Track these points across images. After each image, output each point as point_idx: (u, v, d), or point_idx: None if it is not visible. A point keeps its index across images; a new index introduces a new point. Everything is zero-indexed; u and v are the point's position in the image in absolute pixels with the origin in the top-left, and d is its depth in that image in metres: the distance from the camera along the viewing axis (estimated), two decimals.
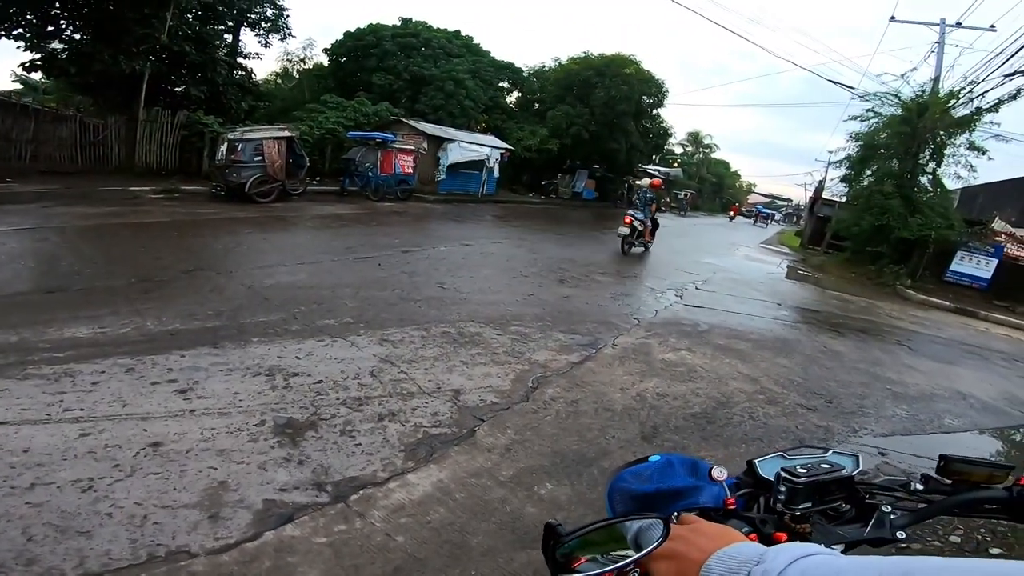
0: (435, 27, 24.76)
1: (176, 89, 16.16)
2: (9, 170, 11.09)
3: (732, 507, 0.69)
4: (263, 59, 21.91)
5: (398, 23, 23.89)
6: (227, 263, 5.95)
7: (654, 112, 26.57)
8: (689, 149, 48.99)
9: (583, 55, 24.41)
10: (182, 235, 7.07)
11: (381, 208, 12.71)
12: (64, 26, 12.75)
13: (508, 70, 26.43)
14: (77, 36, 12.92)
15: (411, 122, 18.09)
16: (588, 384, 3.76)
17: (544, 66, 26.94)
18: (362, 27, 23.30)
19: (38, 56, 13.13)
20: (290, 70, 26.94)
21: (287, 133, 12.41)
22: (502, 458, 2.69)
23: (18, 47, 12.60)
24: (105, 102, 14.32)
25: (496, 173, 19.55)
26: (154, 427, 2.60)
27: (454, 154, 17.53)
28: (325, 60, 24.28)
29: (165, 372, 3.17)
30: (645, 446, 3.04)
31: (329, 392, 3.17)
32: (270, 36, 19.72)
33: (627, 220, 10.25)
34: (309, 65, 26.24)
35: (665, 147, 33.47)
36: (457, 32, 25.52)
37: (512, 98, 27.36)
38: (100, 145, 13.18)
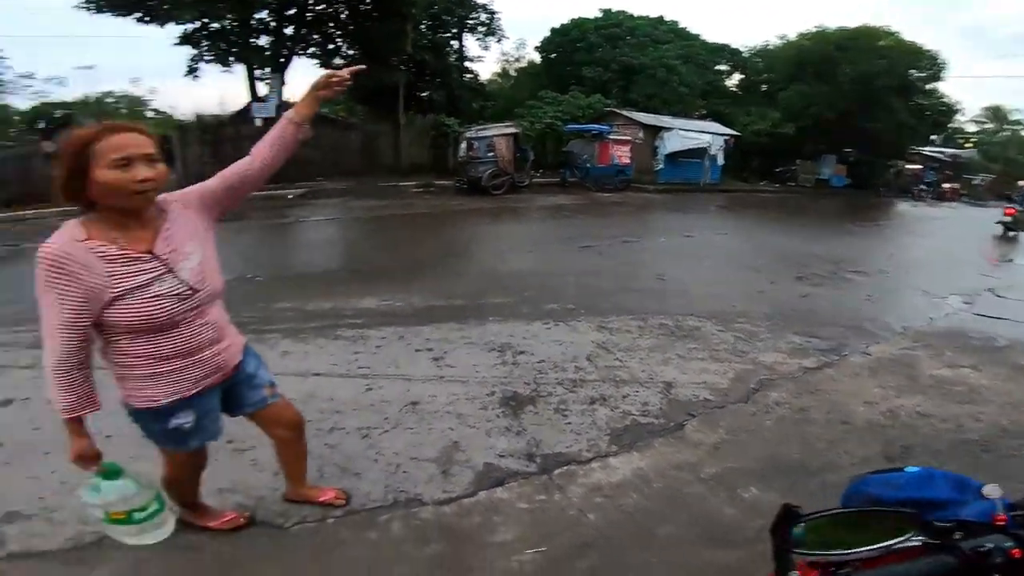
0: (636, 15, 24.03)
1: (423, 95, 18.93)
2: (320, 170, 14.57)
3: (1001, 523, 0.63)
4: (484, 61, 24.00)
5: (599, 15, 23.77)
6: (470, 250, 6.90)
7: (928, 87, 21.35)
8: (989, 127, 38.03)
9: (816, 30, 20.88)
10: (436, 224, 8.40)
11: (600, 199, 12.97)
12: (341, 45, 15.87)
13: (724, 52, 24.29)
14: (351, 52, 15.99)
15: (625, 112, 17.92)
16: (823, 392, 3.33)
17: (768, 45, 24.00)
18: (566, 22, 23.74)
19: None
20: (508, 70, 28.97)
21: (513, 129, 13.51)
22: (708, 455, 2.61)
23: (312, 64, 16.17)
24: (375, 111, 17.65)
25: (720, 161, 18.09)
26: (414, 388, 3.17)
27: (672, 142, 16.78)
28: (537, 57, 25.41)
29: (424, 342, 3.85)
30: (887, 466, 2.58)
31: (549, 371, 3.43)
32: (487, 39, 21.62)
33: (1009, 212, 11.01)
34: (523, 63, 27.87)
35: (949, 125, 26.62)
36: (660, 18, 24.37)
37: (733, 81, 24.99)
38: (380, 149, 16.24)
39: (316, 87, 1.65)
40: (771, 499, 2.31)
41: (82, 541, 2.08)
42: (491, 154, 12.65)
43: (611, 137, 14.98)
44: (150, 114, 26.98)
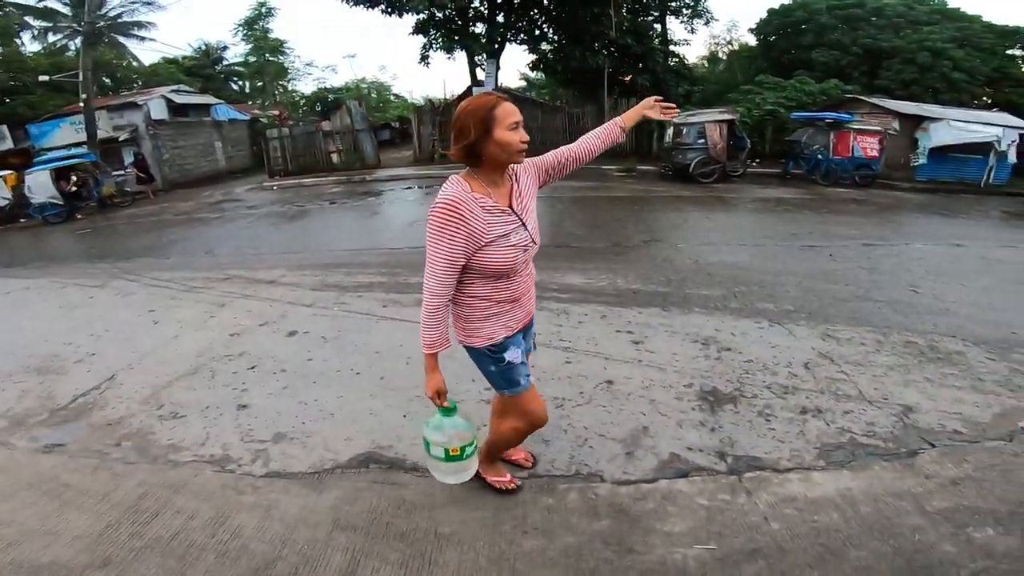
0: None
1: (626, 79, 18.54)
2: (529, 151, 15.41)
3: None
4: (691, 45, 22.66)
5: None
6: (675, 237, 6.62)
7: None
8: None
9: None
10: (640, 209, 8.25)
11: (833, 194, 11.27)
12: (547, 31, 16.31)
13: (1019, 35, 18.81)
14: (555, 37, 16.35)
15: (873, 100, 15.07)
16: None
17: None
18: (787, 3, 20.98)
19: (535, 57, 17.41)
20: (718, 53, 26.70)
21: (727, 116, 12.49)
22: (941, 489, 2.19)
23: (523, 50, 16.90)
24: (580, 94, 17.83)
25: (1012, 158, 14.14)
26: (611, 367, 3.22)
27: (940, 134, 13.62)
28: (752, 40, 22.90)
29: (625, 323, 3.86)
30: None
31: (756, 373, 3.18)
32: (694, 22, 20.08)
33: None
34: (736, 46, 25.36)
35: None
36: None
37: None
38: (585, 131, 16.59)
39: (644, 106, 1.92)
40: (1009, 544, 1.92)
41: (322, 467, 2.53)
42: (701, 141, 11.90)
43: (854, 127, 12.83)
44: (393, 97, 31.54)
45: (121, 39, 25.46)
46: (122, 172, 16.37)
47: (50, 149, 16.32)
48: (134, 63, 26.56)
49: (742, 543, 1.93)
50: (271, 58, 29.66)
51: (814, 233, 7.18)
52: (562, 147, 1.87)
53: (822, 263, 5.64)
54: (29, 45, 22.87)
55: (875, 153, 12.74)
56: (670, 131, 12.95)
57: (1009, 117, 15.15)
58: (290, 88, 31.93)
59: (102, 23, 18.65)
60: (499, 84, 15.96)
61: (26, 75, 18.47)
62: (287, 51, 30.69)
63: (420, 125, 17.54)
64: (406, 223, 7.80)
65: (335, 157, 17.00)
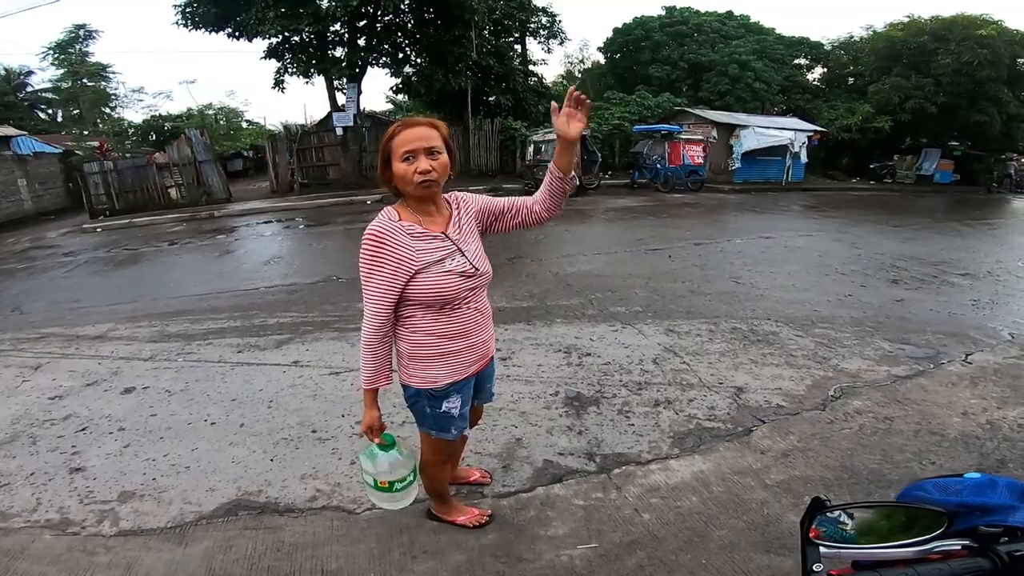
0: (703, 11, 23.41)
1: (490, 99, 19.28)
2: None
3: None
4: (548, 64, 24.33)
5: (662, 12, 23.33)
6: (538, 252, 6.97)
7: None
8: None
9: (907, 19, 19.16)
10: None
11: (671, 200, 12.66)
12: (410, 54, 16.46)
13: (803, 45, 22.99)
14: (419, 60, 16.53)
15: (696, 111, 17.35)
16: (912, 402, 3.11)
17: (852, 37, 22.49)
18: (628, 22, 23.41)
19: (399, 81, 17.43)
20: (572, 71, 28.88)
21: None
22: (775, 462, 2.53)
23: (384, 73, 16.78)
24: (445, 116, 18.14)
25: (804, 158, 17.04)
26: None
27: (749, 140, 16.03)
28: (601, 58, 25.13)
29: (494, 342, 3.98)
30: None
31: (614, 374, 3.45)
32: (549, 42, 21.64)
33: None
34: (588, 64, 27.60)
35: None
36: (729, 13, 23.58)
37: (814, 75, 23.58)
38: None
39: (557, 126, 1.56)
40: None
41: (183, 521, 2.33)
42: None
43: (682, 137, 14.59)
44: (244, 124, 29.30)
45: None
46: None
47: None
48: None
49: (620, 537, 2.06)
50: (89, 84, 25.96)
51: (656, 237, 8.02)
52: (519, 197, 1.78)
53: (663, 264, 6.31)
54: None
55: (701, 160, 14.58)
56: (531, 149, 13.63)
57: (799, 121, 18.26)
58: (116, 116, 28.21)
59: None
60: (361, 108, 15.59)
61: None
62: (110, 76, 27.10)
63: (276, 154, 16.48)
64: (262, 261, 7.26)
65: (174, 192, 15.28)
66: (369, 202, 12.12)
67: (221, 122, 25.56)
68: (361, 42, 14.72)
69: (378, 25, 14.70)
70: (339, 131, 15.35)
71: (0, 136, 17.83)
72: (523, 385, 3.32)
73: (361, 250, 1.55)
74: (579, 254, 6.77)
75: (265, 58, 14.83)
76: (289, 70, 14.99)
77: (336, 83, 15.11)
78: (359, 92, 15.08)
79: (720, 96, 19.89)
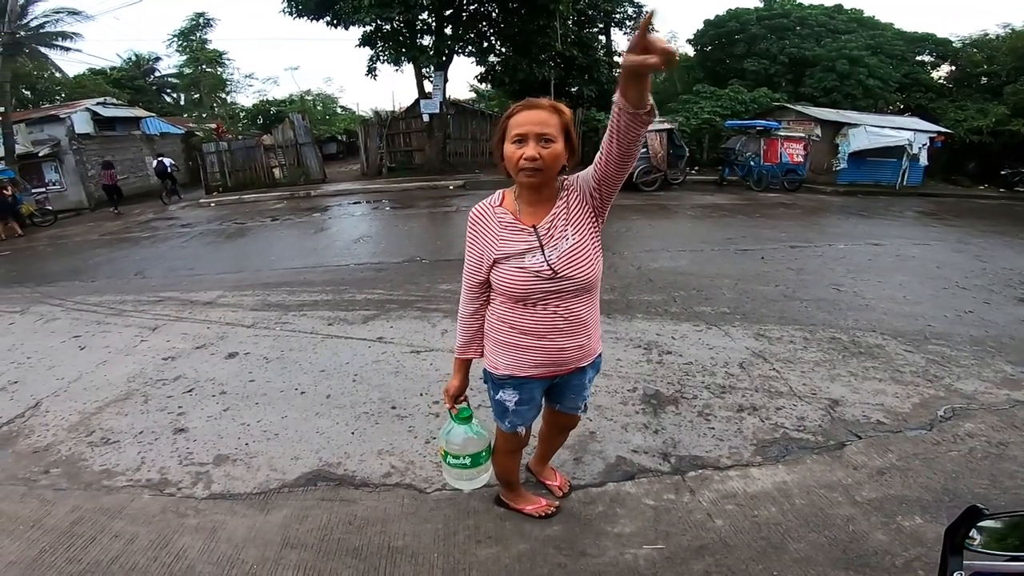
0: (806, 4, 21.81)
1: (572, 90, 19.05)
2: (478, 163, 15.50)
3: None
4: None
5: (760, 5, 22.04)
6: (619, 245, 6.83)
7: None
8: None
9: None
10: None
11: (764, 199, 11.91)
12: (495, 43, 16.58)
13: (927, 42, 20.85)
14: (503, 50, 16.63)
15: (798, 107, 16.13)
16: None
17: (986, 35, 19.95)
18: (721, 14, 22.24)
19: (483, 70, 17.62)
20: None
21: (667, 125, 13.02)
22: (869, 479, 2.33)
23: (471, 62, 16.97)
24: None
25: (923, 161, 15.39)
26: None
27: (858, 140, 14.70)
28: (690, 51, 24.10)
29: None
30: None
31: (696, 374, 3.31)
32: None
33: None
34: (676, 56, 26.55)
35: None
36: (838, 6, 21.82)
37: (940, 73, 21.26)
38: None
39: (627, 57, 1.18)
40: (937, 531, 2.03)
41: (268, 487, 2.48)
42: (644, 150, 12.34)
43: (780, 133, 13.66)
44: (339, 110, 31.04)
45: (44, 50, 23.82)
46: (43, 189, 15.31)
47: None
48: (57, 74, 24.92)
49: (689, 541, 1.99)
50: (208, 69, 28.57)
51: (747, 237, 7.58)
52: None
53: (754, 265, 5.96)
54: None
55: (800, 159, 13.59)
56: None
57: (920, 121, 16.52)
58: (229, 101, 30.85)
59: (22, 33, 17.43)
60: (447, 96, 15.97)
61: None
62: (226, 62, 29.68)
63: (367, 138, 17.31)
64: (352, 240, 7.67)
65: (277, 172, 16.50)
66: (451, 187, 12.42)
67: (318, 107, 27.19)
68: (448, 31, 15.04)
69: (464, 14, 14.94)
70: (425, 118, 15.81)
71: (132, 117, 20.02)
72: (600, 379, 3.25)
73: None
74: (663, 250, 6.55)
75: (359, 45, 15.52)
76: (381, 58, 15.62)
77: (424, 71, 15.55)
78: (445, 80, 15.43)
79: (826, 92, 18.51)
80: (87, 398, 3.56)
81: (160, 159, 16.47)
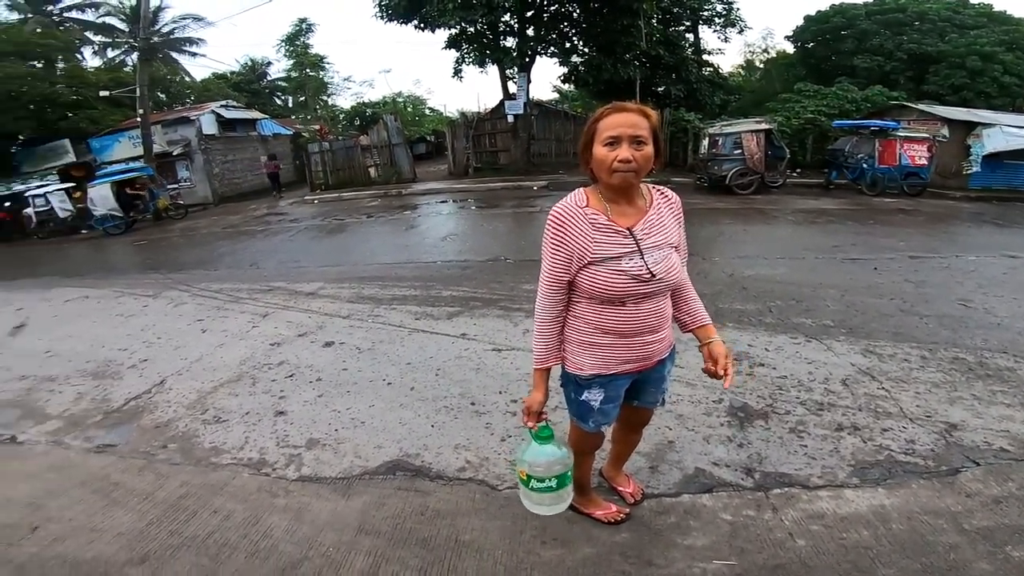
0: None
1: (659, 90, 18.43)
2: (562, 164, 15.46)
3: None
4: (725, 54, 22.74)
5: (870, 0, 20.10)
6: (711, 250, 6.52)
7: None
8: None
9: None
10: None
11: (880, 204, 10.86)
12: (577, 43, 16.39)
13: None
14: (586, 49, 16.40)
15: (921, 106, 14.53)
16: None
17: None
18: (824, 9, 20.73)
19: (566, 70, 17.51)
20: (754, 61, 26.29)
21: (765, 126, 12.29)
22: (982, 507, 2.10)
23: (554, 63, 16.95)
24: None
25: None
26: None
27: (994, 141, 12.97)
28: (789, 47, 22.50)
29: None
30: None
31: (790, 389, 3.11)
32: (727, 31, 19.91)
33: None
34: (772, 54, 24.94)
35: None
36: (964, 1, 19.62)
37: None
38: None
39: (708, 354, 1.68)
40: None
41: (351, 473, 2.62)
42: (738, 151, 11.71)
43: (900, 134, 12.37)
44: (428, 111, 32.30)
45: (174, 55, 26.94)
46: (176, 185, 17.26)
47: (110, 163, 17.39)
48: (186, 78, 28.06)
49: (765, 559, 1.90)
50: (311, 73, 30.89)
51: (858, 245, 6.95)
52: (685, 278, 1.69)
53: (866, 276, 5.45)
54: (90, 60, 24.40)
55: (924, 161, 12.23)
56: (705, 142, 12.77)
57: None
58: (330, 103, 33.11)
59: (156, 39, 19.81)
60: (530, 97, 16.09)
61: (88, 90, 19.63)
62: (326, 66, 31.93)
63: (454, 139, 17.86)
64: (440, 237, 7.96)
65: (373, 171, 17.46)
66: (535, 188, 12.48)
67: (408, 109, 28.43)
68: (530, 32, 15.14)
69: (545, 15, 14.96)
70: (510, 118, 16.01)
71: (250, 119, 22.02)
72: (684, 387, 3.15)
73: (544, 228, 1.55)
74: (758, 256, 6.17)
75: (445, 48, 16.02)
76: (466, 60, 16.02)
77: (508, 72, 15.76)
78: (529, 81, 15.53)
79: (954, 90, 16.79)
80: (205, 378, 3.95)
81: (272, 161, 18.13)
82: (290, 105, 34.73)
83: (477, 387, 3.30)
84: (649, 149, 1.44)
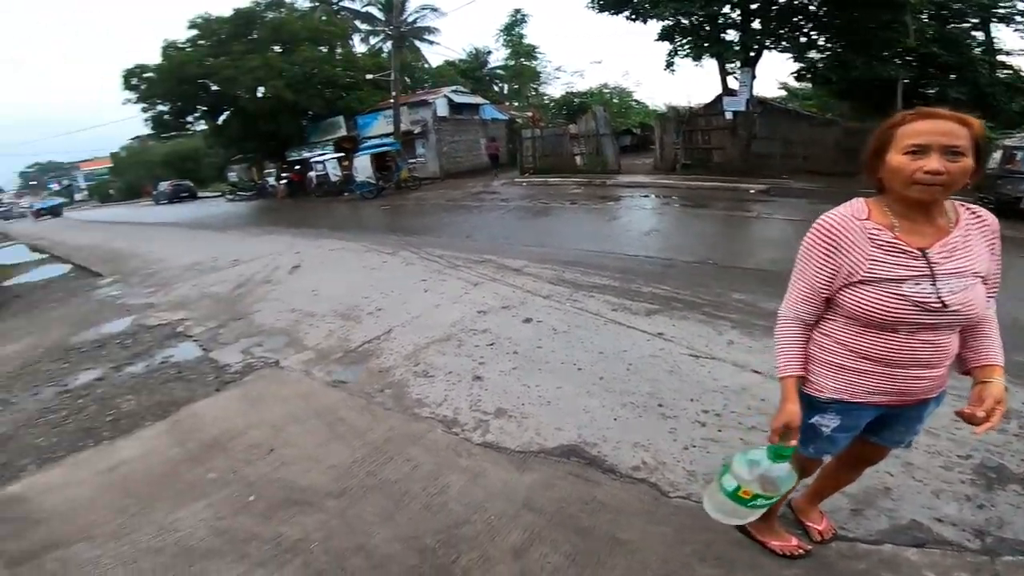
0: None
1: (928, 92, 15.18)
2: (785, 168, 13.85)
3: None
4: None
5: None
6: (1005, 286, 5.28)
7: None
8: None
9: None
10: None
11: None
12: (816, 38, 14.12)
13: None
14: (830, 46, 14.07)
15: None
16: None
17: None
18: None
19: (801, 66, 15.32)
20: None
21: None
22: None
23: (786, 59, 14.95)
24: (860, 107, 15.23)
25: None
26: None
27: None
28: None
29: None
30: None
31: None
32: None
33: None
34: None
35: None
36: None
37: None
38: (857, 147, 14.34)
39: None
40: None
41: (529, 449, 2.72)
42: None
43: None
44: (634, 103, 31.63)
45: (417, 43, 30.86)
46: (413, 160, 20.02)
47: (369, 138, 20.88)
48: (424, 65, 31.95)
49: None
50: (525, 62, 32.59)
51: None
52: (990, 311, 1.44)
53: None
54: (358, 46, 29.17)
55: None
56: (997, 155, 10.22)
57: None
58: (540, 91, 34.58)
59: (405, 28, 22.85)
60: (754, 94, 14.68)
61: (358, 73, 23.44)
62: (538, 56, 33.35)
63: (663, 133, 17.23)
64: (642, 232, 7.84)
65: (578, 159, 17.88)
66: (752, 191, 11.43)
67: (614, 101, 28.15)
68: (756, 25, 13.72)
69: (774, 8, 13.34)
70: (728, 115, 14.84)
71: (474, 104, 24.24)
72: (925, 435, 2.67)
73: (807, 235, 1.41)
74: None
75: (658, 40, 15.37)
76: (679, 52, 15.21)
77: (728, 66, 14.59)
78: (753, 77, 14.16)
79: None
80: (421, 334, 4.50)
81: (492, 143, 19.87)
82: (505, 92, 37.13)
83: (668, 390, 3.22)
84: (967, 162, 1.24)
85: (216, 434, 3.28)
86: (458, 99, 22.96)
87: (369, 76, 22.22)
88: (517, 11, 31.51)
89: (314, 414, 3.37)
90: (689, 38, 14.83)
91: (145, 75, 21.24)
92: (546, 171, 17.75)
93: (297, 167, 20.23)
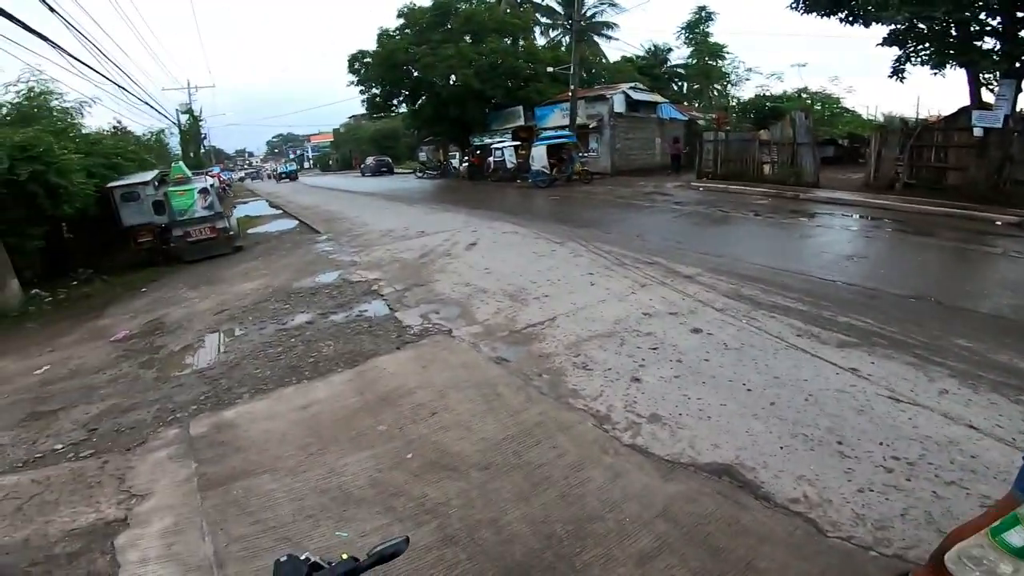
0: None
1: None
2: None
3: None
4: None
5: None
6: None
7: None
8: None
9: None
10: None
11: None
12: None
13: None
14: None
15: None
16: None
17: None
18: None
19: None
20: None
21: None
22: None
23: None
24: None
25: None
26: None
27: None
28: None
29: None
30: None
31: None
32: None
33: None
34: None
35: None
36: None
37: None
38: None
39: None
40: None
41: (678, 460, 2.62)
42: None
43: None
44: (842, 112, 27.65)
45: (595, 38, 30.69)
46: (586, 154, 20.17)
47: (544, 129, 21.50)
48: (602, 60, 31.65)
49: None
50: (711, 62, 30.44)
51: None
52: None
53: None
54: (538, 39, 29.93)
55: None
56: None
57: None
58: (727, 92, 32.10)
59: (585, 22, 22.79)
60: (1016, 109, 11.87)
61: (539, 66, 24.04)
62: (726, 55, 30.94)
63: (882, 147, 14.81)
64: (842, 255, 6.87)
65: (767, 168, 16.31)
66: (999, 223, 9.29)
67: (816, 107, 24.92)
68: (1022, 33, 10.97)
69: None
70: (977, 132, 12.21)
71: (652, 102, 23.43)
72: None
73: None
74: None
75: (882, 44, 13.15)
76: (912, 59, 12.87)
77: (982, 76, 11.98)
78: (1017, 90, 11.43)
79: None
80: (584, 326, 4.55)
81: (676, 143, 19.18)
82: (685, 91, 35.19)
83: (852, 428, 2.89)
84: None
85: (391, 389, 3.72)
86: (636, 96, 22.41)
87: (549, 69, 22.75)
88: (701, 9, 29.66)
89: (474, 385, 3.62)
90: (927, 44, 12.63)
91: (364, 60, 24.38)
92: (727, 177, 16.51)
93: (478, 152, 21.82)
